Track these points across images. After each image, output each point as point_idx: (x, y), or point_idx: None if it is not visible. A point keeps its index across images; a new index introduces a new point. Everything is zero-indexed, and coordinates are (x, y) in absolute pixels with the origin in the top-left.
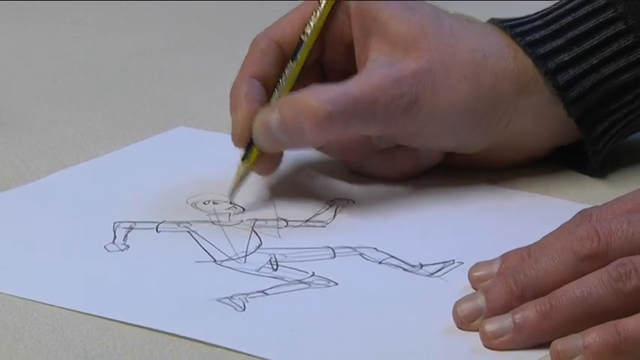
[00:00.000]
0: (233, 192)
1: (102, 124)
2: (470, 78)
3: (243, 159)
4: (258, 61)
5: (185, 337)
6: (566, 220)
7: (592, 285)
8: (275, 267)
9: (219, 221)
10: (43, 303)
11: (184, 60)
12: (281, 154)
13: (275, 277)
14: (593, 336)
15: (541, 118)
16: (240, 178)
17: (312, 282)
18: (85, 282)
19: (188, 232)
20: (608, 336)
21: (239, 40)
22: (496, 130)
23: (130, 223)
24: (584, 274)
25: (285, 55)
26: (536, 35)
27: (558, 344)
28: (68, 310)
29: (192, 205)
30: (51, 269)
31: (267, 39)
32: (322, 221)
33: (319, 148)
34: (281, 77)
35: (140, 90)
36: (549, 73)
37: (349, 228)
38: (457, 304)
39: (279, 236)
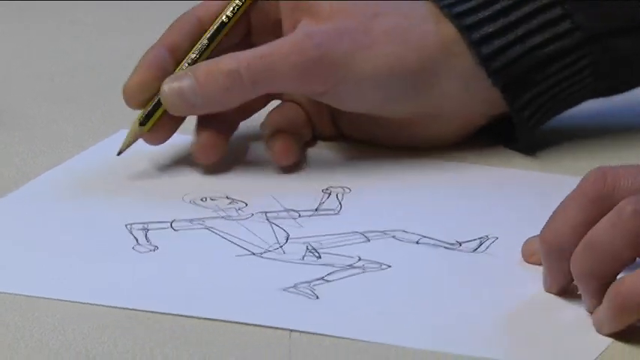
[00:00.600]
0: (122, 150)
1: (101, 124)
2: (394, 38)
3: (140, 122)
4: (174, 32)
5: (186, 336)
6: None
7: (602, 230)
8: (318, 255)
9: (230, 216)
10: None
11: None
12: (177, 126)
13: (324, 265)
14: (602, 307)
15: (469, 83)
16: (132, 140)
17: (364, 266)
18: (134, 283)
19: (206, 228)
20: (609, 301)
21: None
22: (422, 90)
23: (142, 224)
24: (595, 218)
25: (202, 30)
26: (464, 7)
27: (592, 318)
28: (69, 309)
29: (191, 202)
30: (89, 274)
31: (189, 14)
32: (332, 209)
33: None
34: (193, 51)
35: None
36: (474, 44)
37: (363, 213)
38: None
39: (302, 226)
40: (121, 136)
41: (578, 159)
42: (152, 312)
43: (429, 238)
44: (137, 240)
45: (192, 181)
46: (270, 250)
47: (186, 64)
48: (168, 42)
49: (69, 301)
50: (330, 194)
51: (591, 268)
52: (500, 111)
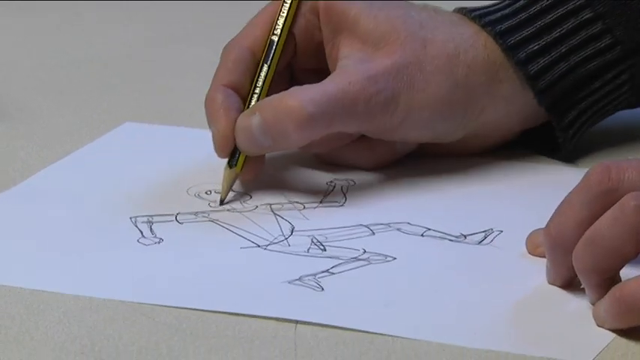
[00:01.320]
0: (225, 198)
1: (106, 116)
2: (443, 69)
3: (230, 165)
4: (232, 70)
5: (192, 329)
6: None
7: (604, 225)
8: (323, 248)
9: (234, 209)
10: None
11: (188, 51)
12: (263, 158)
13: (329, 257)
14: (604, 305)
15: (512, 104)
16: (230, 184)
17: (369, 258)
18: (139, 276)
19: (211, 221)
20: (611, 305)
21: None
22: (470, 119)
23: (147, 217)
24: (599, 213)
25: (257, 60)
26: (506, 24)
27: (593, 312)
28: (74, 302)
29: (195, 195)
30: (94, 267)
31: (238, 46)
32: (336, 201)
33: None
34: (256, 81)
35: (144, 81)
36: (520, 63)
37: (368, 206)
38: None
39: (307, 218)
40: (126, 128)
41: (583, 152)
42: (157, 305)
43: (434, 230)
44: (142, 233)
45: (197, 173)
46: (275, 243)
47: (255, 97)
48: (228, 81)
49: (74, 294)
50: (334, 187)
51: (593, 263)
52: (536, 123)
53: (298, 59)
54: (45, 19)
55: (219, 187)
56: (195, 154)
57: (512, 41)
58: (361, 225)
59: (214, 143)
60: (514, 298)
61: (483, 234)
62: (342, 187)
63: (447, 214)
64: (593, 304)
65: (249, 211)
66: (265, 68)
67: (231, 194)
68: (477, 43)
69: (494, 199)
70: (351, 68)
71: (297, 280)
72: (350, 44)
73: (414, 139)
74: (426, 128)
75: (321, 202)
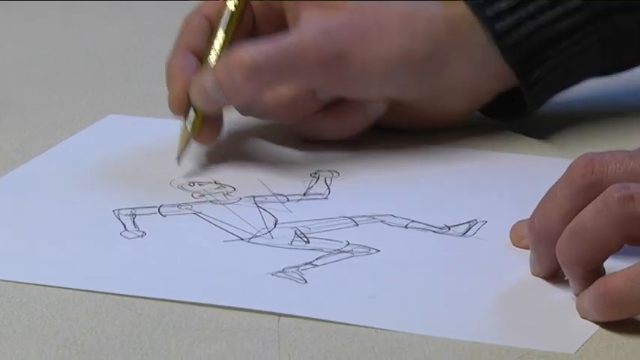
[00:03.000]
0: (180, 158)
1: (90, 108)
2: (401, 24)
3: (186, 125)
4: (190, 36)
5: (174, 322)
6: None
7: (587, 217)
8: (306, 240)
9: (218, 201)
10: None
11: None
12: (221, 121)
13: (313, 249)
14: (588, 298)
15: (479, 60)
16: (184, 143)
17: (352, 250)
18: (123, 269)
19: (194, 213)
20: (595, 299)
21: None
22: (433, 72)
23: (129, 210)
24: (583, 205)
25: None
26: None
27: (576, 304)
28: (57, 295)
29: (179, 187)
30: (76, 260)
31: (198, 15)
32: (320, 193)
33: (265, 115)
34: (211, 44)
35: (131, 73)
36: (487, 20)
37: (352, 198)
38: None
39: (291, 211)
40: (110, 121)
41: (567, 141)
42: (140, 297)
43: (418, 222)
44: (125, 226)
45: (181, 165)
46: (258, 236)
47: (211, 61)
48: (187, 45)
49: (57, 287)
50: (318, 178)
51: (576, 255)
52: (507, 87)
53: (260, 28)
54: (30, 11)
55: (202, 179)
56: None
57: (479, 1)
58: (345, 217)
59: (169, 102)
60: (498, 290)
61: (467, 225)
62: (325, 179)
63: (431, 205)
64: (577, 295)
65: (233, 203)
66: (221, 32)
67: (214, 186)
68: (438, 2)
69: (477, 189)
70: (306, 24)
71: (280, 272)
72: (309, 8)
73: (376, 94)
74: (385, 82)
75: (304, 194)
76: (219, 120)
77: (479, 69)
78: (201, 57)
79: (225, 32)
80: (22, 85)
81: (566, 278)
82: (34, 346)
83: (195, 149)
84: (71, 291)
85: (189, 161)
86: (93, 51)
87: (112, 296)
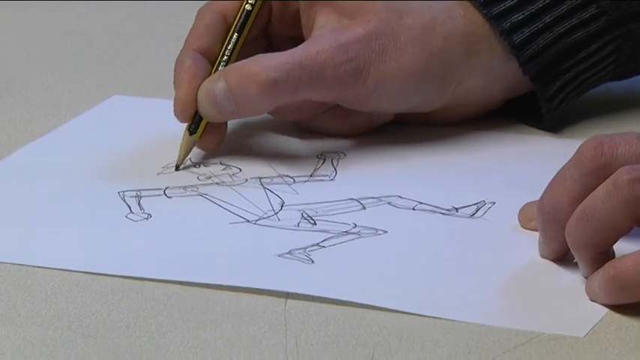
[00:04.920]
0: (179, 164)
1: (95, 89)
2: (418, 40)
3: (189, 131)
4: (202, 35)
5: (180, 304)
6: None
7: (597, 199)
8: (313, 222)
9: (224, 182)
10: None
11: (179, 24)
12: (225, 127)
13: (320, 231)
14: (597, 281)
15: (492, 75)
16: (187, 151)
17: (360, 232)
18: (128, 251)
19: (200, 195)
20: (605, 282)
21: None
22: (447, 90)
23: (135, 192)
24: (593, 187)
25: (229, 26)
26: None
27: (586, 286)
28: (62, 278)
29: (184, 168)
30: (82, 243)
31: (212, 11)
32: (326, 175)
33: (271, 113)
34: (225, 49)
35: (134, 54)
36: (504, 33)
37: (359, 179)
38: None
39: (297, 192)
40: (114, 101)
41: (576, 123)
42: (145, 279)
43: (426, 204)
44: (130, 208)
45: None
46: (264, 217)
47: (223, 63)
48: (199, 45)
49: (61, 269)
50: (324, 160)
51: (587, 237)
52: (521, 92)
53: (274, 27)
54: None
55: (208, 161)
56: (183, 127)
57: (496, 11)
58: (352, 199)
59: (174, 107)
60: (507, 272)
61: (475, 206)
62: (332, 160)
63: (439, 186)
64: (586, 277)
65: (239, 184)
66: (235, 36)
67: (220, 167)
68: (456, 13)
69: (486, 170)
70: (323, 37)
71: (287, 253)
72: (326, 14)
73: (388, 109)
74: (399, 99)
75: (311, 175)
76: (223, 126)
77: (492, 83)
78: (212, 58)
79: (239, 34)
80: (25, 66)
81: (575, 261)
82: (39, 329)
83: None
84: (76, 274)
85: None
86: (96, 32)
87: (117, 279)
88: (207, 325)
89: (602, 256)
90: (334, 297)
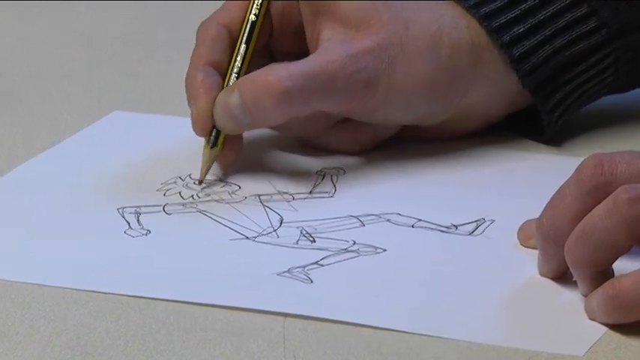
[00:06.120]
0: (204, 179)
1: (96, 104)
2: (425, 51)
3: (210, 144)
4: (210, 49)
5: (179, 322)
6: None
7: (597, 218)
8: (312, 239)
9: (223, 199)
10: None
11: (181, 35)
12: (241, 139)
13: (319, 249)
14: (596, 300)
15: (496, 87)
16: (209, 164)
17: (359, 250)
18: (127, 269)
19: (199, 212)
20: (604, 301)
21: None
22: (454, 101)
23: (134, 208)
24: (592, 206)
25: (234, 38)
26: (490, 7)
27: (585, 305)
28: (60, 295)
29: (184, 185)
30: (80, 260)
31: (216, 24)
32: (326, 192)
33: (276, 128)
34: (235, 60)
35: (136, 66)
36: (504, 46)
37: (358, 196)
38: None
39: (296, 209)
40: (114, 117)
41: (575, 141)
42: (144, 298)
43: (425, 221)
44: (129, 224)
45: (185, 163)
46: (263, 234)
47: (235, 75)
48: (207, 58)
49: (59, 287)
50: (324, 176)
51: (586, 255)
52: (522, 106)
53: (276, 41)
54: (32, 4)
55: (208, 177)
56: (184, 143)
57: (496, 24)
58: (351, 216)
59: (193, 122)
60: (506, 290)
61: (475, 224)
62: (331, 177)
63: (438, 203)
64: (585, 296)
65: (238, 202)
66: (244, 47)
67: (219, 184)
68: (461, 25)
69: (486, 188)
70: (332, 48)
71: (285, 272)
72: (331, 27)
73: (397, 120)
74: (408, 109)
75: (310, 192)
76: (239, 139)
77: (495, 96)
78: (222, 71)
79: (247, 45)
80: (25, 81)
81: (574, 279)
82: (37, 346)
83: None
84: (74, 291)
85: (195, 159)
86: (99, 44)
87: (115, 296)
88: (206, 343)
89: (602, 274)
90: (333, 318)
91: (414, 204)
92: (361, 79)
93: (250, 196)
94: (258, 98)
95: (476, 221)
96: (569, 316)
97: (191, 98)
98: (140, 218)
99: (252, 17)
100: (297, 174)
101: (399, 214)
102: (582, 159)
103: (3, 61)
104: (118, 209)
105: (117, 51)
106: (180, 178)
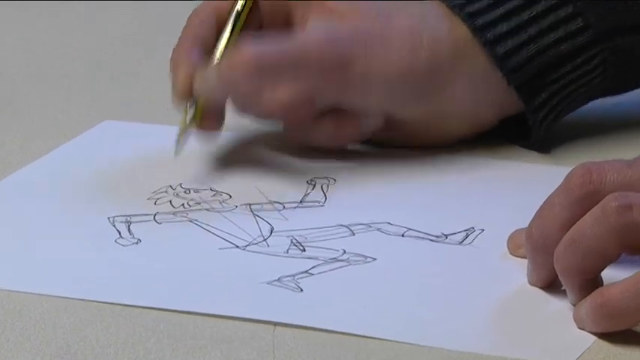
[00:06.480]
0: (177, 150)
1: (87, 112)
2: (406, 40)
3: (187, 117)
4: (198, 28)
5: (169, 331)
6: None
7: (586, 226)
8: (302, 248)
9: (213, 208)
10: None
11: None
12: (223, 116)
13: (309, 258)
14: (585, 308)
15: (481, 83)
16: (183, 134)
17: (349, 259)
18: (117, 277)
19: (190, 221)
20: (593, 310)
21: None
22: (434, 92)
23: (125, 217)
24: (581, 215)
25: (222, 23)
26: (475, 6)
27: (573, 314)
28: (51, 303)
29: (175, 194)
30: (71, 268)
31: (207, 6)
32: (317, 201)
33: (261, 116)
34: (219, 41)
35: (135, 67)
36: (488, 44)
37: (348, 205)
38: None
39: (286, 219)
40: (104, 127)
41: (565, 150)
42: (134, 306)
43: (415, 230)
44: (120, 233)
45: (176, 172)
46: (254, 244)
47: (217, 57)
48: (194, 35)
49: (49, 295)
50: (314, 185)
51: (575, 263)
52: (511, 112)
53: (266, 29)
54: (27, 12)
55: (198, 186)
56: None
57: (480, 22)
58: (341, 225)
59: (173, 89)
60: (494, 299)
61: (465, 233)
62: (322, 186)
63: (429, 212)
64: (574, 305)
65: (229, 211)
66: (228, 29)
67: (210, 193)
68: (444, 21)
69: (475, 196)
70: (313, 29)
71: (276, 280)
72: (318, 13)
73: (374, 108)
74: (383, 95)
75: (301, 201)
76: (221, 113)
77: (480, 93)
78: (207, 49)
79: (232, 30)
80: (25, 80)
81: (563, 288)
82: (28, 355)
83: (192, 156)
84: (65, 300)
85: (186, 168)
86: (94, 51)
87: (106, 305)
88: (195, 351)
89: (591, 283)
90: (322, 327)
91: (404, 213)
92: (335, 56)
93: (241, 205)
94: (231, 69)
95: (466, 230)
96: (558, 325)
97: (173, 67)
98: (131, 227)
99: (239, 6)
100: (287, 183)
101: (390, 223)
102: (571, 168)
103: (3, 61)
104: (108, 218)
105: (117, 51)
106: (170, 187)
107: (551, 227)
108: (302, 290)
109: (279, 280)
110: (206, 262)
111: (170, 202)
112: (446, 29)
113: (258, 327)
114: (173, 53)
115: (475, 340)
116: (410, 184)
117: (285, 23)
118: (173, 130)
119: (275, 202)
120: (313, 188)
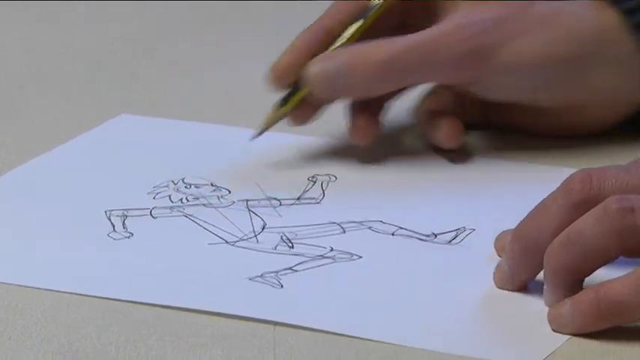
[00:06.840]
0: (261, 133)
1: (96, 109)
2: (548, 24)
3: (281, 104)
4: (330, 16)
5: (170, 328)
6: None
7: (586, 225)
8: (290, 245)
9: (210, 204)
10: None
11: (175, 45)
12: (319, 109)
13: (295, 255)
14: (572, 305)
15: (623, 71)
16: (271, 122)
17: (335, 256)
18: (106, 271)
19: (185, 216)
20: (588, 306)
21: (233, 25)
22: (574, 76)
23: (122, 211)
24: (575, 220)
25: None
26: None
27: (550, 313)
28: (52, 300)
29: (175, 189)
30: (64, 261)
31: (345, 2)
32: (313, 198)
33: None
34: (346, 30)
35: (129, 76)
36: (634, 28)
37: (344, 203)
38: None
39: (280, 215)
40: (120, 120)
41: (560, 150)
42: (134, 303)
43: (405, 229)
44: (114, 226)
45: (181, 167)
46: (243, 239)
47: (339, 44)
48: (323, 24)
49: (48, 289)
50: (315, 182)
51: (570, 261)
52: None
53: (412, 20)
54: (27, 12)
55: (199, 181)
56: (182, 147)
57: (629, 5)
58: (333, 223)
59: (272, 68)
60: (475, 300)
61: (455, 232)
62: (322, 183)
63: (423, 211)
64: (549, 306)
65: (225, 206)
66: (359, 22)
67: (210, 188)
68: (588, 8)
69: (470, 196)
70: (448, 20)
71: (258, 276)
72: (461, 6)
73: (513, 95)
74: (522, 82)
75: (298, 198)
76: (319, 107)
77: (623, 79)
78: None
79: (363, 22)
80: (25, 80)
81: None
82: (29, 352)
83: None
84: (66, 297)
85: (188, 163)
86: (91, 53)
87: (107, 302)
88: (197, 348)
89: (578, 283)
90: (300, 324)
91: (398, 211)
92: (467, 47)
93: (238, 200)
94: (355, 65)
95: (456, 230)
96: (537, 324)
97: (287, 49)
98: (126, 221)
99: (375, 1)
100: (288, 180)
101: (382, 221)
102: (565, 169)
103: (3, 61)
104: (105, 211)
105: (117, 51)
106: (172, 181)
107: (546, 229)
108: (282, 286)
109: (261, 276)
110: (193, 257)
111: (169, 196)
112: (590, 15)
113: (259, 325)
114: (297, 37)
115: (454, 340)
116: (408, 183)
117: (430, 18)
118: (186, 125)
119: (272, 198)
120: (313, 185)
